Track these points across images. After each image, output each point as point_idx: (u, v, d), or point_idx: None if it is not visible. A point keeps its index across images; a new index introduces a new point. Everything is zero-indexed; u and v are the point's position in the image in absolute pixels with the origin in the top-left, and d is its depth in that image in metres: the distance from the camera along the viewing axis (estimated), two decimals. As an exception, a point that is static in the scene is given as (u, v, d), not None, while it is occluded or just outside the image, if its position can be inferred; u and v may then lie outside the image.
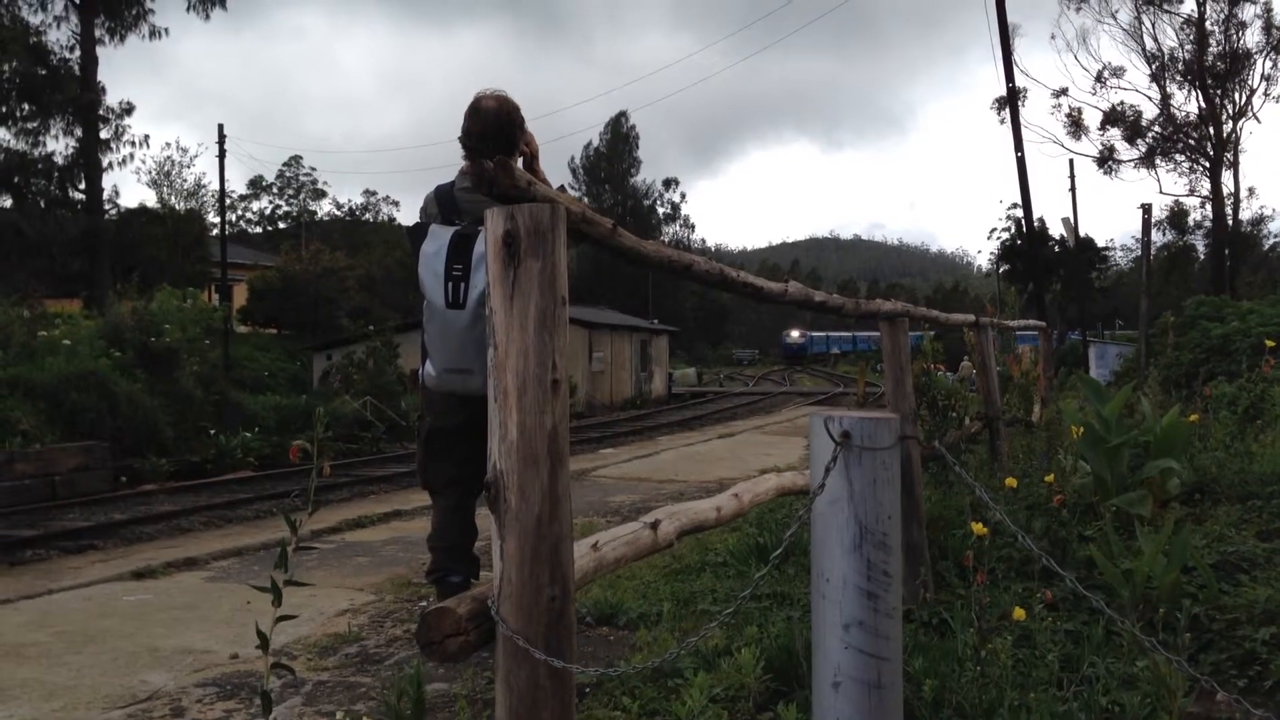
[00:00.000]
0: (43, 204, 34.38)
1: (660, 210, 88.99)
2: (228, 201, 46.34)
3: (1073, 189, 38.50)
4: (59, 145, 34.81)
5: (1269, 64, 39.25)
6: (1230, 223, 41.23)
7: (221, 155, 35.06)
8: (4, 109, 33.51)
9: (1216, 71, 39.48)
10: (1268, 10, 38.60)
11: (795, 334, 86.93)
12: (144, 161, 72.26)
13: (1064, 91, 42.14)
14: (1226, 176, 40.91)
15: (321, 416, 2.95)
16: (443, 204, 3.66)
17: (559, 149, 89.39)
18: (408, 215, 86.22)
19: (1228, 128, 40.29)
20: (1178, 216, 44.24)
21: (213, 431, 20.80)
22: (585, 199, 77.36)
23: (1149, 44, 40.65)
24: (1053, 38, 59.39)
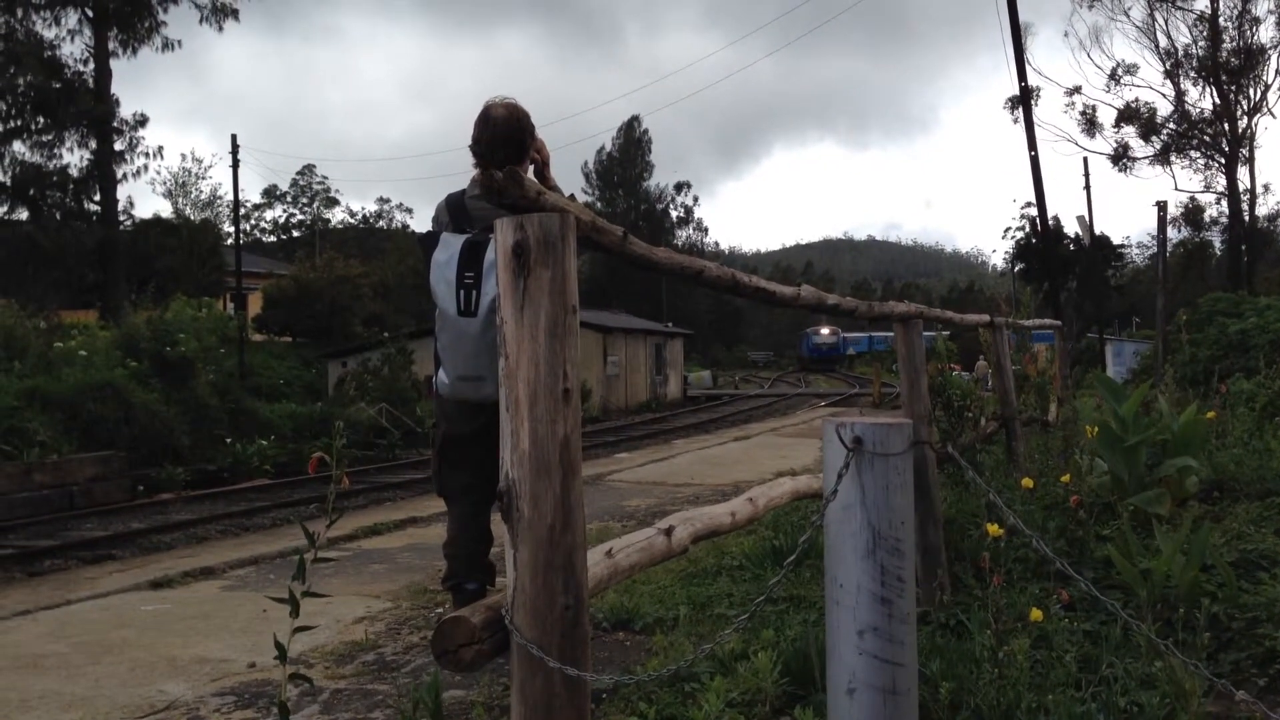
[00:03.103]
0: (58, 216, 34.61)
1: (674, 214, 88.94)
2: (242, 211, 46.50)
3: (1087, 187, 38.37)
4: (74, 157, 35.12)
5: (1283, 59, 39.08)
6: (1247, 219, 41.03)
7: (235, 165, 35.17)
8: (19, 122, 33.77)
9: (1231, 67, 39.30)
10: (1281, 5, 38.43)
11: (825, 331, 75.47)
12: (159, 173, 72.59)
13: (1077, 90, 42.16)
14: (1242, 172, 40.77)
15: (340, 428, 2.97)
16: (454, 212, 3.66)
17: (588, 149, 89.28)
18: (420, 222, 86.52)
19: (1243, 124, 40.15)
20: (1193, 213, 44.02)
21: (229, 440, 20.88)
22: (598, 204, 77.37)
23: (1162, 41, 40.54)
24: (1065, 36, 59.42)
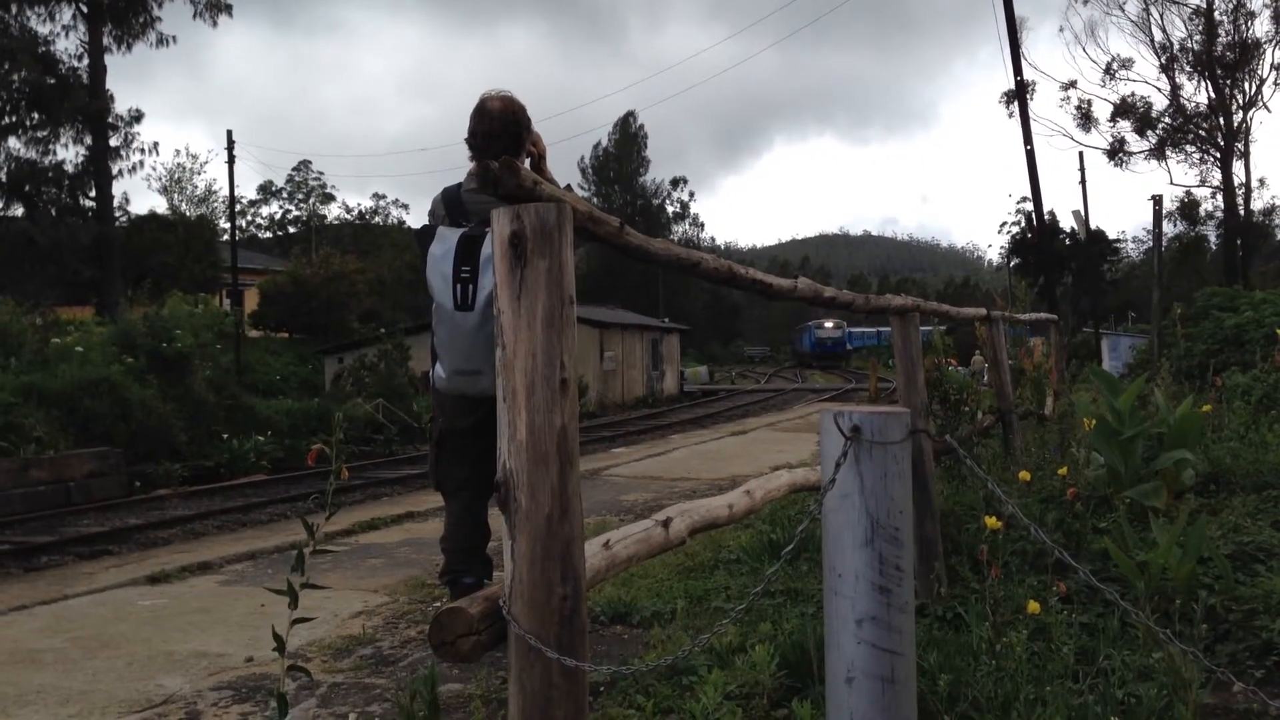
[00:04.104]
0: (54, 212, 34.53)
1: (670, 209, 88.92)
2: (238, 207, 46.42)
3: (1083, 181, 38.35)
4: (69, 153, 35.04)
5: (1278, 53, 39.14)
6: (1242, 213, 41.11)
7: (231, 161, 35.05)
8: (14, 118, 33.69)
9: (1226, 62, 39.34)
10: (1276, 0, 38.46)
11: (829, 324, 71.12)
12: (154, 169, 72.41)
13: (1073, 84, 42.12)
14: (1237, 167, 40.86)
15: (340, 420, 2.97)
16: (450, 206, 3.65)
17: (592, 143, 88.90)
18: (417, 217, 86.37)
19: (1238, 118, 40.23)
20: (1189, 207, 44.12)
21: (225, 436, 20.86)
22: (595, 199, 77.26)
23: (1158, 35, 40.62)
24: (1061, 30, 59.48)
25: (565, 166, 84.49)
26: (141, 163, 37.36)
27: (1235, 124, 40.09)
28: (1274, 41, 38.98)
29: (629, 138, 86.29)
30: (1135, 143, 41.73)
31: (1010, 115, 38.51)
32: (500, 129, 3.59)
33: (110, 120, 35.32)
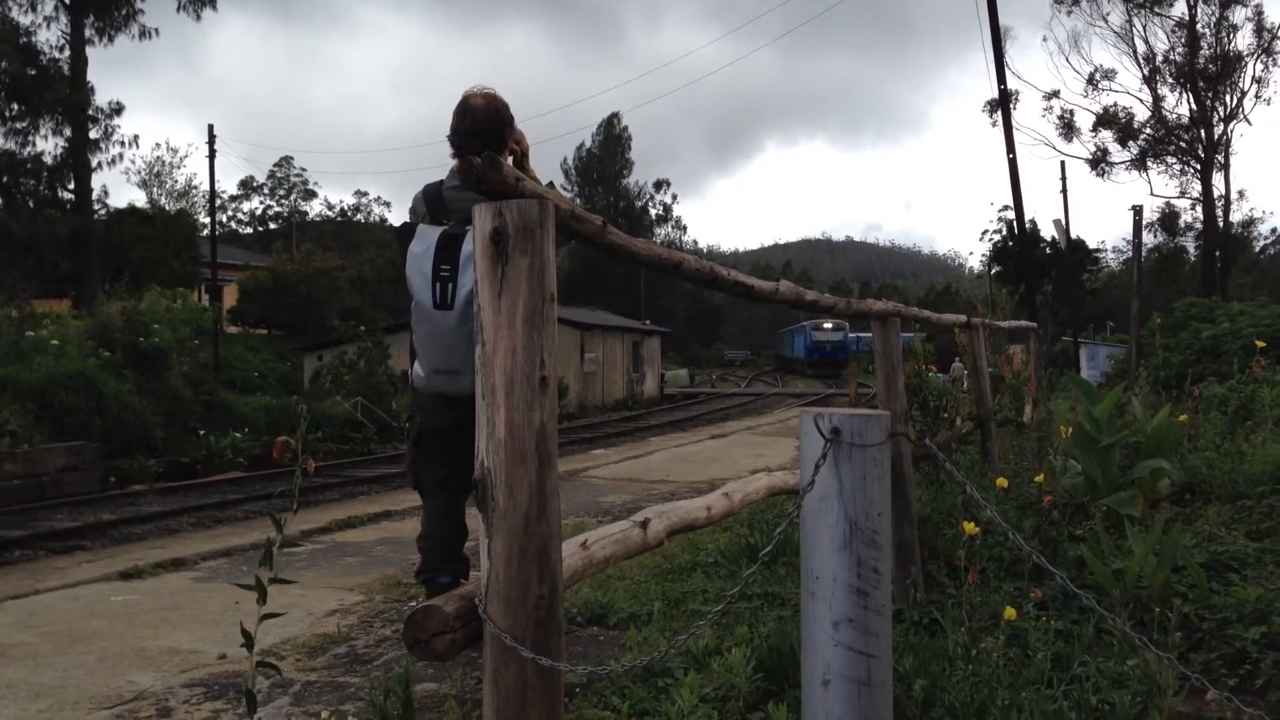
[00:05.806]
0: (32, 204, 34.23)
1: (652, 211, 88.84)
2: (218, 202, 46.22)
3: (1064, 191, 38.54)
4: (48, 145, 34.72)
5: (1260, 66, 39.50)
6: (1221, 225, 41.40)
7: (211, 155, 34.90)
8: (-6, 109, 33.41)
9: (1208, 74, 39.64)
10: (1259, 13, 38.82)
11: (829, 325, 64.17)
12: (133, 162, 72.19)
13: (1056, 94, 42.34)
14: (1217, 179, 41.15)
15: (306, 414, 2.94)
16: (431, 203, 3.64)
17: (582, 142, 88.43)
18: (399, 215, 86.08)
19: (1219, 130, 40.50)
20: (1169, 218, 44.36)
21: (202, 432, 20.74)
22: (577, 200, 77.02)
23: (1140, 46, 40.89)
24: (1044, 40, 59.69)
25: (551, 166, 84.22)
26: (121, 155, 37.17)
27: (1216, 136, 40.40)
28: (1255, 54, 39.32)
29: (613, 139, 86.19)
30: (1117, 153, 42.05)
31: (994, 124, 38.71)
32: (483, 126, 3.58)
33: (90, 112, 35.06)
